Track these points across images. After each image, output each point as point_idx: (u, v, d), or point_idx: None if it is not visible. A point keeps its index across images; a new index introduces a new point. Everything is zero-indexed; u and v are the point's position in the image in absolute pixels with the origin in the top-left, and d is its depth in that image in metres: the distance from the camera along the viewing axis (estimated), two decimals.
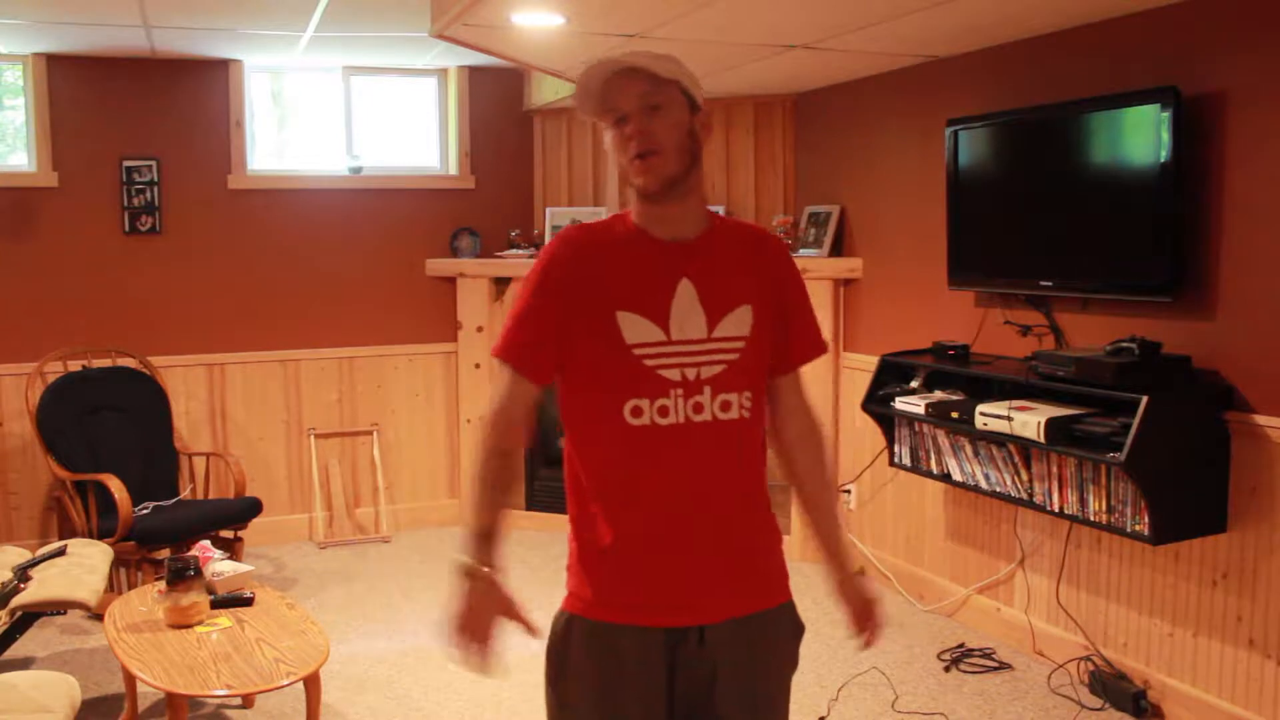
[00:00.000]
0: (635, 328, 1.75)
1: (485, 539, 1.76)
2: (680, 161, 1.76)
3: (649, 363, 1.75)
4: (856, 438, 4.89)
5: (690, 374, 1.76)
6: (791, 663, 1.92)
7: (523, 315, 1.80)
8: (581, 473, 1.82)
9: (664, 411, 1.75)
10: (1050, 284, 3.69)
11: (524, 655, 4.02)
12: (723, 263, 1.81)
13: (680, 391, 1.75)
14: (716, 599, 1.80)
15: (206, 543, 3.71)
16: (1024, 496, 3.67)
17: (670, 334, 1.76)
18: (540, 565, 4.93)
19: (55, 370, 4.91)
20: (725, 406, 1.78)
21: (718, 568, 1.80)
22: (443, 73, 5.79)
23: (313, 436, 5.57)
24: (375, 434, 5.69)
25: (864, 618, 1.96)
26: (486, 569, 1.74)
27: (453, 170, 5.81)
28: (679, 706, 1.81)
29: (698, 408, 1.76)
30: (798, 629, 1.92)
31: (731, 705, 1.82)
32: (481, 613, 1.73)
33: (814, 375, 3.04)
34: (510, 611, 1.75)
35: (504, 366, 1.81)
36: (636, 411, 1.75)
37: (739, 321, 1.80)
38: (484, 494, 1.78)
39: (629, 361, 1.75)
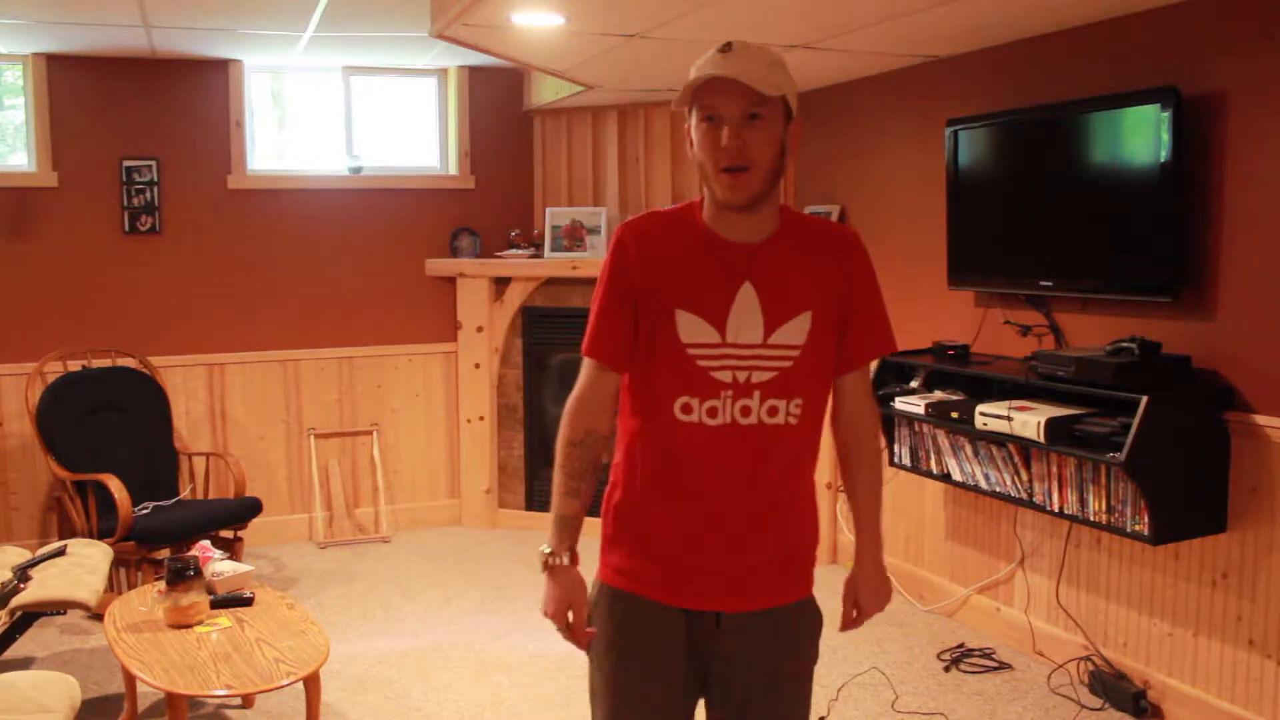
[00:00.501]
0: (692, 328, 1.77)
1: (563, 525, 1.84)
2: (768, 179, 1.75)
3: (702, 363, 1.77)
4: None
5: (741, 377, 1.77)
6: (812, 656, 1.95)
7: (603, 313, 1.83)
8: (635, 453, 1.85)
9: (713, 412, 1.78)
10: (1050, 284, 3.69)
11: (522, 656, 4.06)
12: (788, 268, 1.81)
13: (730, 394, 1.77)
14: (738, 590, 1.84)
15: (206, 543, 3.71)
16: (1024, 496, 3.66)
17: (726, 337, 1.77)
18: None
19: (55, 370, 4.91)
20: (772, 412, 1.79)
21: (744, 563, 1.84)
22: (443, 73, 5.79)
23: (313, 436, 5.56)
24: (375, 434, 5.69)
25: (860, 617, 1.99)
26: (559, 558, 1.83)
27: (453, 170, 5.81)
28: (696, 691, 1.87)
29: (745, 411, 1.78)
30: (817, 623, 1.94)
31: (749, 694, 1.85)
32: (560, 599, 1.83)
33: None
34: (581, 598, 1.84)
35: (588, 359, 1.85)
36: (686, 409, 1.78)
37: (796, 330, 1.80)
38: (562, 482, 1.85)
39: (683, 360, 1.77)
